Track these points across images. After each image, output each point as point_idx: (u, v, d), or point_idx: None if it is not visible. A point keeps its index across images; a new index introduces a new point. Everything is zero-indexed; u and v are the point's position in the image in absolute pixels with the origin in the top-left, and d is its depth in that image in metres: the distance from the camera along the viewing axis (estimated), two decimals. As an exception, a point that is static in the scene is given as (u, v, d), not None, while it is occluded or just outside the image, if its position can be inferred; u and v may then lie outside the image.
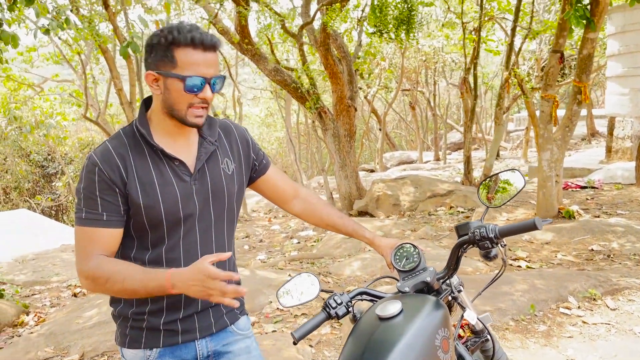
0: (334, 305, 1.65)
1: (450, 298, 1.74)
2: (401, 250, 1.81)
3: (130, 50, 5.52)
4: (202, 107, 1.46)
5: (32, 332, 4.35)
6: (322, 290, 1.78)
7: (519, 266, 4.85)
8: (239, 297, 1.70)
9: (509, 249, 5.34)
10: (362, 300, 1.74)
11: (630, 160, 8.77)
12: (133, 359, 1.57)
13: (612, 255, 4.96)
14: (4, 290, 5.64)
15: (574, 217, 6.18)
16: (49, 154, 17.50)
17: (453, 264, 1.70)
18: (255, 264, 6.45)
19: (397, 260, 1.79)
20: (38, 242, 10.25)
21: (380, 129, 18.60)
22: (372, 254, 5.52)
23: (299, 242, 7.48)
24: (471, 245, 1.66)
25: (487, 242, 1.60)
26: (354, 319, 1.67)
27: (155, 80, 1.44)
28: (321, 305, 1.66)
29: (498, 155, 14.92)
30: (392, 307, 1.48)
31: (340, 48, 8.76)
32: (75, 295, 5.99)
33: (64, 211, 18.32)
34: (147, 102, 1.56)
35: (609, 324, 3.50)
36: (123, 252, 1.54)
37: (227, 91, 15.39)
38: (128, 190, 1.45)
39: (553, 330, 3.45)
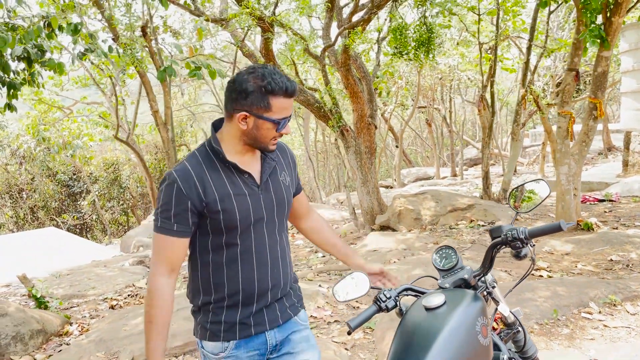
0: (384, 299, 1.88)
1: (485, 293, 1.98)
2: (441, 252, 2.06)
3: (166, 75, 5.89)
4: (280, 137, 1.77)
5: (82, 339, 4.63)
6: (371, 287, 2.04)
7: (541, 275, 5.05)
8: (298, 292, 2.00)
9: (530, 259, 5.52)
10: (407, 295, 1.98)
11: (647, 174, 8.91)
12: (213, 350, 1.80)
13: (631, 265, 5.13)
14: (48, 302, 5.94)
15: (593, 229, 6.36)
16: (74, 174, 18.00)
17: (488, 263, 1.94)
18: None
19: (438, 261, 2.04)
20: (69, 259, 10.59)
21: (397, 146, 18.85)
22: (398, 266, 5.75)
23: (324, 256, 7.72)
24: (504, 246, 1.91)
25: (518, 242, 1.85)
26: (400, 313, 1.91)
27: (244, 118, 1.69)
28: (372, 301, 1.89)
29: (515, 170, 15.06)
30: (437, 299, 1.73)
31: (360, 68, 9.09)
32: (112, 307, 6.28)
33: (88, 229, 18.76)
34: (214, 125, 1.83)
35: (629, 327, 3.69)
36: (203, 256, 1.79)
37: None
38: (206, 202, 1.69)
39: (576, 333, 3.65)
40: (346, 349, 3.81)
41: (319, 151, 22.84)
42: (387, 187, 18.46)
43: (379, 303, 1.89)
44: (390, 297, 1.89)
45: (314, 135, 20.89)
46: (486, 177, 9.30)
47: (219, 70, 6.11)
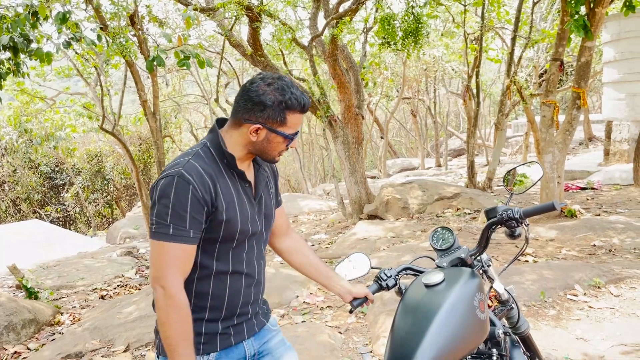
0: (384, 277, 1.95)
1: (481, 272, 2.06)
2: (437, 233, 2.13)
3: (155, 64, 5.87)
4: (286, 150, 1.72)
5: (76, 328, 4.64)
6: (372, 267, 2.11)
7: (526, 261, 5.18)
8: (261, 291, 1.90)
9: (516, 246, 5.66)
10: (406, 274, 2.05)
11: (627, 162, 9.14)
12: None
13: (613, 250, 5.29)
14: (38, 292, 5.93)
15: (576, 216, 6.53)
16: (57, 166, 17.79)
17: (483, 243, 2.01)
18: (274, 264, 6.75)
19: (435, 241, 2.11)
20: (54, 251, 10.50)
21: (382, 137, 18.96)
22: (387, 253, 5.84)
23: (313, 245, 7.79)
24: (499, 225, 1.98)
25: (513, 222, 1.92)
26: (400, 292, 1.98)
27: (257, 130, 1.62)
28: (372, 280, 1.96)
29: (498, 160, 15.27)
30: (436, 276, 1.80)
31: (347, 58, 9.13)
32: (102, 297, 6.28)
33: (72, 222, 18.58)
34: (218, 123, 1.72)
35: (613, 308, 3.83)
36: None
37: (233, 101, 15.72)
38: (216, 206, 1.58)
39: (562, 314, 3.78)
40: (340, 332, 3.89)
41: (304, 142, 22.86)
42: (372, 177, 18.58)
43: (379, 282, 1.95)
44: (390, 276, 1.96)
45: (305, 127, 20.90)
46: (471, 167, 9.44)
47: (207, 59, 6.11)
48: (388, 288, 1.95)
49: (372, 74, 12.88)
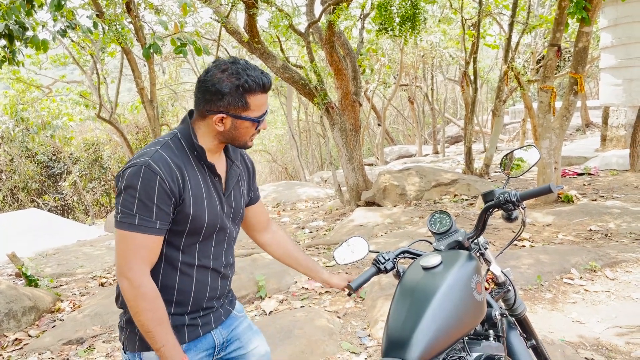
0: (382, 260, 1.97)
1: (478, 254, 2.09)
2: (435, 217, 2.15)
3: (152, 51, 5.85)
4: (257, 133, 1.68)
5: (76, 315, 4.67)
6: (370, 251, 2.13)
7: (523, 245, 5.22)
8: (228, 284, 1.90)
9: (513, 231, 5.70)
10: (404, 257, 2.07)
11: (624, 148, 9.17)
12: None
13: (609, 234, 5.33)
14: (38, 279, 5.96)
15: (573, 201, 6.56)
16: (54, 155, 17.76)
17: (481, 226, 2.03)
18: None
19: (433, 225, 2.12)
20: (53, 239, 10.52)
21: (379, 124, 18.95)
22: (385, 239, 5.88)
23: (311, 232, 7.83)
24: (496, 209, 2.00)
25: (510, 205, 1.94)
26: (398, 275, 2.01)
27: (221, 119, 1.58)
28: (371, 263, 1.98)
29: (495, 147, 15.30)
30: (434, 259, 1.82)
31: (344, 45, 9.10)
32: (102, 285, 6.31)
33: (70, 210, 18.59)
34: (190, 115, 1.68)
35: (608, 292, 3.88)
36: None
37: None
38: (183, 199, 1.55)
39: (558, 297, 3.82)
40: (338, 317, 3.93)
41: (301, 130, 22.83)
42: (369, 165, 18.60)
43: (377, 265, 1.97)
44: (388, 259, 1.98)
45: (296, 114, 20.85)
46: (469, 153, 9.46)
47: (204, 46, 6.09)
48: (386, 271, 1.97)
49: (370, 61, 12.84)
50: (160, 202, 1.51)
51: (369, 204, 8.75)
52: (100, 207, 19.20)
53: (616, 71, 9.54)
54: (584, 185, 7.82)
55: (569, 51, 14.21)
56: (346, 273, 2.12)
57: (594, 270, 4.21)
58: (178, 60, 16.09)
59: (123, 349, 1.70)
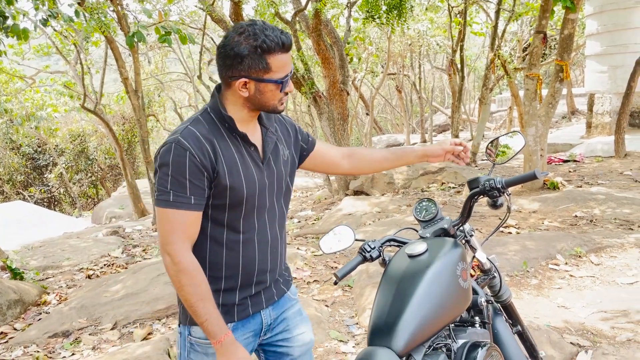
0: (368, 249, 1.95)
1: (463, 242, 2.09)
2: (421, 204, 2.14)
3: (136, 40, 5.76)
4: (286, 96, 1.63)
5: (62, 307, 4.63)
6: (356, 240, 2.12)
7: (510, 232, 5.25)
8: (288, 266, 1.94)
9: (499, 218, 5.74)
10: (390, 246, 2.06)
11: (609, 135, 9.24)
12: (203, 335, 1.62)
13: (594, 220, 5.39)
14: (23, 272, 5.89)
15: (558, 188, 6.62)
16: (39, 146, 17.53)
17: (466, 213, 2.03)
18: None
19: (418, 212, 2.12)
20: (39, 232, 10.44)
21: (367, 114, 18.91)
22: (373, 227, 5.89)
23: (299, 222, 7.82)
24: (482, 196, 2.00)
25: (495, 191, 1.94)
26: (384, 263, 2.00)
27: (244, 84, 1.54)
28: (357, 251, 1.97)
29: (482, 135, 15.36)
30: (419, 247, 1.82)
31: (331, 34, 9.04)
32: (89, 277, 6.26)
33: (56, 203, 18.40)
34: (218, 89, 1.65)
35: (593, 277, 3.92)
36: (200, 233, 1.61)
37: (217, 79, 15.52)
38: (217, 172, 1.54)
39: (544, 283, 3.86)
40: (326, 305, 3.94)
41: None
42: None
43: (363, 253, 1.96)
44: (374, 248, 1.96)
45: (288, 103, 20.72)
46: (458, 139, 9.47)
47: (189, 35, 6.01)
48: (372, 259, 1.96)
49: (357, 50, 12.78)
50: (192, 178, 1.51)
51: (357, 193, 8.76)
52: (87, 199, 19.04)
53: (601, 58, 9.60)
54: (570, 172, 7.89)
55: (555, 39, 14.26)
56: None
57: (579, 256, 4.26)
58: (164, 50, 15.90)
59: (178, 323, 1.73)
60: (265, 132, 1.71)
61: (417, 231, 2.10)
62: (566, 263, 4.17)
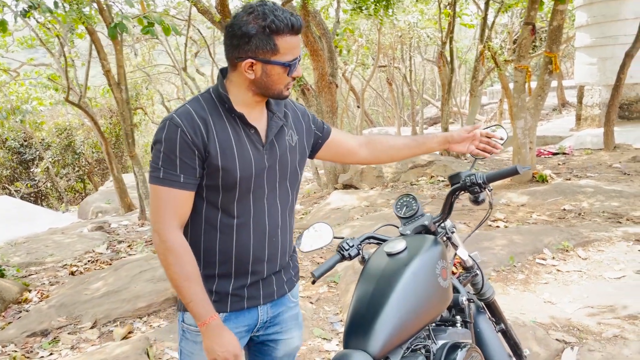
0: (346, 247, 1.88)
1: (445, 238, 2.02)
2: (402, 201, 2.07)
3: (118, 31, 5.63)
4: (293, 81, 1.58)
5: (42, 305, 4.53)
6: (334, 237, 2.04)
7: (497, 226, 5.21)
8: (296, 263, 1.87)
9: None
10: (369, 243, 1.99)
11: (599, 127, 9.22)
12: (193, 322, 1.59)
13: (582, 214, 5.35)
14: (4, 269, 5.78)
15: (547, 181, 6.58)
16: (25, 140, 17.29)
17: (447, 209, 1.97)
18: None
19: (399, 209, 2.05)
20: (24, 227, 10.28)
21: (358, 106, 18.82)
22: (361, 222, 5.82)
23: (287, 215, 7.74)
24: (463, 191, 1.94)
25: (477, 187, 1.88)
26: (363, 261, 1.93)
27: (251, 65, 1.49)
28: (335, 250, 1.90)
29: (473, 127, 15.33)
30: (398, 245, 1.75)
31: (320, 25, 8.93)
32: (72, 273, 6.16)
33: (43, 197, 18.20)
34: (222, 71, 1.62)
35: (580, 271, 3.87)
36: (195, 216, 1.59)
37: (207, 70, 15.39)
38: (208, 151, 1.50)
39: (530, 278, 3.81)
40: (311, 302, 3.87)
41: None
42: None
43: (342, 252, 1.89)
44: (352, 246, 1.90)
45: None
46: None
47: (172, 26, 5.89)
48: (350, 258, 1.89)
49: (347, 42, 12.67)
50: (183, 155, 1.48)
51: (347, 186, 8.69)
52: (75, 194, 18.84)
53: (591, 50, 9.56)
54: (559, 164, 7.86)
55: (545, 30, 14.21)
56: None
57: (567, 250, 4.21)
58: (151, 42, 15.70)
59: (177, 308, 1.78)
60: (271, 116, 1.65)
61: (398, 227, 2.04)
62: (553, 257, 4.12)
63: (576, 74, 10.53)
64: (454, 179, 1.97)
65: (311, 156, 1.89)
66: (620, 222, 4.94)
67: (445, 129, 9.44)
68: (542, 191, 6.12)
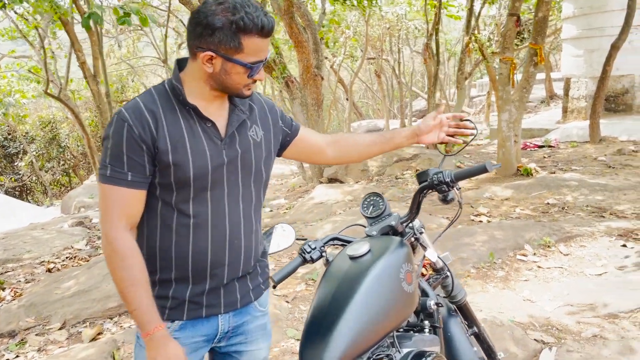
0: (308, 250, 1.78)
1: (413, 239, 1.93)
2: (368, 200, 1.97)
3: (92, 22, 5.47)
4: (253, 83, 1.48)
5: (13, 305, 4.40)
6: (297, 239, 1.94)
7: (480, 221, 5.13)
8: (266, 270, 1.74)
9: (471, 206, 5.62)
10: (334, 245, 1.89)
11: (585, 120, 9.17)
12: None
13: (566, 208, 5.28)
14: (-23, 268, 5.63)
15: (532, 174, 6.51)
16: (9, 134, 17.03)
17: (415, 208, 1.88)
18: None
19: (365, 208, 1.96)
20: (6, 223, 10.11)
21: (347, 99, 18.69)
22: (343, 217, 5.72)
23: (271, 210, 7.63)
24: (430, 190, 1.84)
25: (444, 186, 1.79)
26: (327, 263, 1.83)
27: (210, 59, 1.39)
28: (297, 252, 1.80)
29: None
30: (361, 247, 1.66)
31: (305, 16, 8.77)
32: (49, 270, 6.02)
33: (28, 191, 17.96)
34: (179, 62, 1.51)
35: (561, 268, 3.80)
36: (150, 216, 1.50)
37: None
38: (157, 147, 1.41)
39: (511, 275, 3.73)
40: (287, 301, 3.77)
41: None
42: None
43: (303, 254, 1.79)
44: (315, 248, 1.80)
45: (262, 88, 20.40)
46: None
47: (150, 16, 5.73)
48: (313, 261, 1.79)
49: (334, 33, 12.52)
50: (130, 152, 1.39)
51: (332, 180, 8.59)
52: (60, 187, 18.61)
53: (577, 42, 9.49)
54: (544, 157, 7.80)
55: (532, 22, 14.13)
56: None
57: (548, 246, 4.14)
58: (136, 34, 15.46)
59: None
60: (233, 109, 1.54)
61: (365, 227, 1.95)
62: (534, 253, 4.05)
63: (563, 66, 10.47)
64: (421, 177, 1.88)
65: (279, 154, 1.78)
66: (603, 217, 4.88)
67: (432, 122, 9.35)
68: (527, 185, 6.05)
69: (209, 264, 1.52)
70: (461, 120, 1.91)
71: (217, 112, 1.51)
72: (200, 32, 1.37)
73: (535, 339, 2.88)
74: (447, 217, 5.18)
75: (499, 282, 3.63)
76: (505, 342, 2.80)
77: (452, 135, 1.90)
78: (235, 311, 1.61)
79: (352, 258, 1.66)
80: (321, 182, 8.58)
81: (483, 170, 1.73)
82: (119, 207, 1.42)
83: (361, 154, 1.91)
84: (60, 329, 3.82)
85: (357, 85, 25.14)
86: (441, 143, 1.93)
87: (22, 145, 16.90)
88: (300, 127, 1.80)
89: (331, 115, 21.60)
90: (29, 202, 16.12)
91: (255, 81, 1.47)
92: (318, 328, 1.52)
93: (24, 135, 16.76)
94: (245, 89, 1.47)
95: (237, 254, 1.57)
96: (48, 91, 9.06)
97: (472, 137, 1.91)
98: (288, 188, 9.34)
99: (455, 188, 1.82)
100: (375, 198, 1.97)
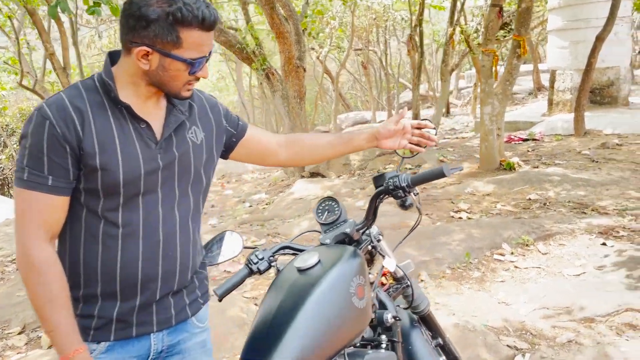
0: (255, 260, 1.64)
1: (370, 247, 1.80)
2: (323, 205, 1.84)
3: (60, 11, 5.26)
4: (196, 81, 1.37)
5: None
6: (245, 247, 1.79)
7: (460, 217, 5.01)
8: (205, 282, 1.60)
9: (452, 202, 5.50)
10: (284, 254, 1.76)
11: (570, 112, 9.07)
12: None
13: (548, 203, 5.18)
14: (-58, 267, 5.44)
15: (514, 169, 6.41)
16: (-12, 126, 16.68)
17: (371, 215, 1.75)
18: (205, 229, 6.43)
19: (319, 214, 1.82)
20: (-18, 218, 9.85)
21: (334, 90, 18.51)
22: (320, 213, 5.58)
23: (250, 206, 7.49)
24: (387, 195, 1.71)
25: (400, 191, 1.65)
26: (278, 273, 1.69)
27: (145, 54, 1.26)
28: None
29: (448, 112, 15.16)
30: (310, 259, 1.52)
31: (287, 6, 8.57)
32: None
33: (8, 185, 17.64)
34: (112, 55, 1.37)
35: (539, 268, 3.69)
36: (73, 225, 1.36)
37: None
38: (83, 148, 1.27)
39: (486, 275, 3.62)
40: (255, 304, 3.64)
41: (254, 97, 22.18)
42: (325, 132, 18.23)
43: (250, 265, 1.66)
44: (262, 258, 1.66)
45: (248, 80, 20.17)
46: (416, 120, 9.21)
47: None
48: (260, 272, 1.66)
49: (319, 24, 12.32)
50: (51, 153, 1.25)
51: (314, 174, 8.46)
52: (43, 181, 18.27)
53: (563, 33, 9.39)
54: (528, 151, 7.70)
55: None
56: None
57: (527, 245, 4.03)
58: (118, 25, 15.12)
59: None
60: (171, 109, 1.40)
61: (321, 234, 1.81)
62: (512, 253, 3.94)
63: (548, 58, 10.37)
64: (377, 181, 1.75)
65: (224, 157, 1.65)
66: (585, 213, 4.78)
67: (416, 115, 9.25)
68: (509, 180, 5.94)
69: (139, 278, 1.38)
70: (422, 128, 1.78)
71: (153, 112, 1.38)
72: (134, 24, 1.24)
73: (508, 345, 2.77)
74: (427, 214, 5.07)
75: (474, 284, 3.52)
76: (477, 349, 2.69)
77: (415, 144, 1.76)
78: (170, 329, 1.47)
79: (300, 270, 1.53)
80: (303, 177, 8.44)
81: (440, 174, 1.62)
82: (37, 215, 1.27)
83: (316, 156, 1.81)
84: (19, 333, 3.66)
85: (345, 76, 24.95)
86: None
87: (2, 138, 16.57)
88: (249, 127, 1.67)
89: (318, 107, 21.42)
90: (10, 195, 15.82)
91: (198, 79, 1.35)
92: (260, 345, 1.39)
93: (4, 128, 16.42)
94: (185, 89, 1.35)
95: (173, 267, 1.44)
96: (23, 83, 8.80)
97: (436, 131, 1.79)
98: (270, 182, 9.19)
99: (412, 193, 1.69)
100: (330, 203, 1.84)
